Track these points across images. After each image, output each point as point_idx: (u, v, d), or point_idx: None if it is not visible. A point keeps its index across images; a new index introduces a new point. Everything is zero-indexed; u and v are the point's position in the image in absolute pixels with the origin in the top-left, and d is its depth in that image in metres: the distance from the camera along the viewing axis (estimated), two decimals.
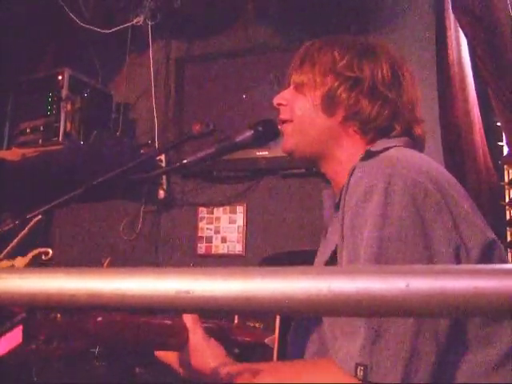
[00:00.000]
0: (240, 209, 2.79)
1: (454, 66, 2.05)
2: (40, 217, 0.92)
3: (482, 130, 2.06)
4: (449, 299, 0.38)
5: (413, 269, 0.41)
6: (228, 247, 2.80)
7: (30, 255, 0.89)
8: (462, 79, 2.03)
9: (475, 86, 2.06)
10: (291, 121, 1.18)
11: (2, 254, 0.88)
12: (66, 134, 2.63)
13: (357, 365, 0.86)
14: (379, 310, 0.42)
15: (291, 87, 1.20)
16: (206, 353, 1.05)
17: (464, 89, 2.03)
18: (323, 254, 1.09)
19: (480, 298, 0.39)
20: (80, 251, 2.98)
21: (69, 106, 2.66)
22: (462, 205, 0.96)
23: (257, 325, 1.25)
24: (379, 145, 1.07)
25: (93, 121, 2.74)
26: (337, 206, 1.06)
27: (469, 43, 1.96)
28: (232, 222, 2.80)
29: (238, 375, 0.98)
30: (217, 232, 2.82)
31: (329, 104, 1.13)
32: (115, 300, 0.45)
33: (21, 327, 0.81)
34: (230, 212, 2.81)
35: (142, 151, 2.90)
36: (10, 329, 0.80)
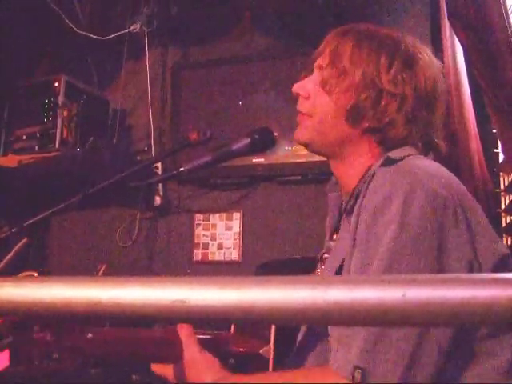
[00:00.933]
0: (236, 215, 2.79)
1: (449, 74, 2.05)
2: (25, 240, 0.92)
3: (478, 137, 2.07)
4: (446, 308, 0.38)
5: (409, 278, 0.41)
6: (224, 254, 2.79)
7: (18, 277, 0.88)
8: (458, 87, 2.04)
9: (471, 94, 2.07)
10: (310, 116, 1.10)
11: None
12: (62, 140, 2.63)
13: (354, 368, 0.86)
14: (375, 320, 0.42)
15: (316, 78, 1.11)
16: (201, 366, 1.04)
17: (460, 96, 2.03)
18: (335, 258, 1.07)
19: (477, 308, 0.39)
20: (76, 258, 2.97)
21: (65, 113, 2.66)
22: (479, 216, 0.96)
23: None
24: (398, 152, 1.03)
25: (89, 127, 2.74)
26: (349, 211, 1.03)
27: (465, 52, 1.96)
28: (228, 228, 2.80)
29: None
30: (213, 239, 2.82)
31: (357, 115, 1.05)
32: (111, 309, 0.44)
33: (7, 351, 0.80)
34: (227, 219, 2.81)
35: (138, 158, 2.89)
36: None
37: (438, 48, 2.18)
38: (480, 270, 0.91)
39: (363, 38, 1.08)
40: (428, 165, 1.00)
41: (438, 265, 0.88)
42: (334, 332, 0.98)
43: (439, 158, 1.13)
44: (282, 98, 2.51)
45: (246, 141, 1.17)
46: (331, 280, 0.42)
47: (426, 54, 1.09)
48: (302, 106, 1.12)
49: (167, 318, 0.45)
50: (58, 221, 3.01)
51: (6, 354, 0.79)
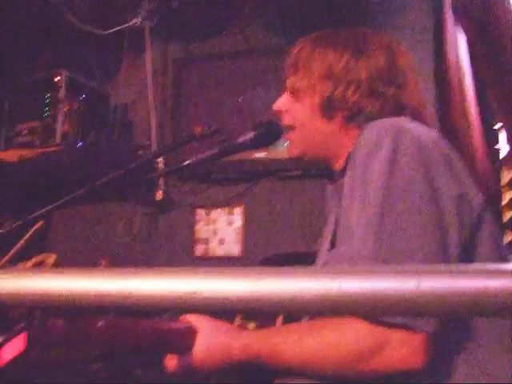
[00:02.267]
0: (238, 210, 2.78)
1: (452, 69, 2.05)
2: (42, 222, 0.92)
3: (481, 133, 2.06)
4: (460, 299, 0.38)
5: (423, 268, 0.41)
6: (226, 249, 2.79)
7: (33, 260, 0.88)
8: (461, 81, 2.03)
9: (474, 89, 2.06)
10: (294, 127, 1.18)
11: (5, 260, 0.87)
12: (63, 135, 2.62)
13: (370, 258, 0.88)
14: (389, 310, 0.41)
15: (287, 93, 1.20)
16: (220, 333, 1.00)
17: (462, 91, 2.03)
18: (329, 227, 1.12)
19: (491, 298, 0.39)
20: (77, 253, 2.97)
21: (66, 108, 2.66)
22: (459, 159, 1.01)
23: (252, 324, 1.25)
24: None
25: (90, 122, 2.73)
26: (339, 174, 1.11)
27: (468, 45, 1.96)
28: (230, 223, 2.80)
29: (262, 340, 0.96)
30: (214, 234, 2.81)
31: (328, 108, 1.13)
32: (122, 300, 0.44)
33: (22, 335, 0.81)
34: (228, 214, 2.80)
35: (139, 152, 2.89)
36: (12, 337, 0.80)
37: (440, 43, 2.18)
38: (470, 208, 0.96)
39: (317, 42, 1.17)
40: (410, 122, 1.06)
41: (433, 202, 0.92)
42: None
43: None
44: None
45: (252, 134, 1.17)
46: (345, 270, 0.42)
47: (378, 38, 1.17)
48: (284, 120, 1.20)
49: (179, 310, 0.45)
50: (58, 216, 3.01)
51: (20, 339, 0.79)
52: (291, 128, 1.18)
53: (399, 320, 0.82)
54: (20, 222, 1.06)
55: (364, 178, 0.96)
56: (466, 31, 1.80)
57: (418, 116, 1.12)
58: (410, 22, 2.49)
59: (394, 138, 0.96)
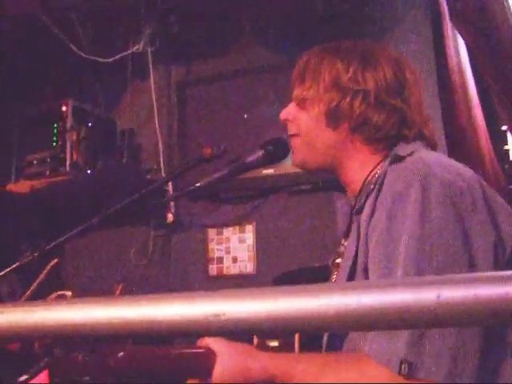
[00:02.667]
0: (249, 228, 2.79)
1: (454, 73, 2.06)
2: (56, 260, 0.93)
3: (488, 135, 2.06)
4: (482, 308, 0.38)
5: (443, 279, 0.41)
6: (239, 267, 2.79)
7: (51, 297, 0.89)
8: (464, 85, 2.04)
9: (477, 92, 2.07)
10: (298, 135, 1.18)
11: (23, 298, 0.88)
12: (72, 163, 2.65)
13: (402, 361, 0.86)
14: (411, 323, 0.42)
15: (294, 102, 1.20)
16: (238, 355, 1.00)
17: (466, 94, 2.04)
18: (347, 259, 1.09)
19: None
20: (92, 279, 2.98)
21: (74, 136, 2.69)
22: (497, 200, 1.00)
23: (276, 343, 1.25)
24: (402, 148, 1.07)
25: (98, 149, 2.76)
26: (358, 210, 1.07)
27: (468, 50, 1.97)
28: (242, 241, 2.80)
29: (281, 366, 0.97)
30: (227, 252, 2.82)
31: (334, 118, 1.12)
32: (146, 327, 0.45)
33: (46, 371, 0.81)
34: (240, 231, 2.81)
35: (148, 176, 2.91)
36: (37, 373, 0.80)
37: (440, 49, 2.19)
38: (504, 251, 0.93)
39: (324, 52, 1.17)
40: (437, 156, 1.05)
41: (466, 251, 0.90)
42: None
43: (451, 156, 1.16)
44: None
45: (260, 152, 1.18)
46: (363, 284, 0.43)
47: (386, 51, 1.17)
48: (290, 129, 1.20)
49: (202, 333, 0.45)
50: (71, 243, 3.02)
51: (44, 375, 0.80)
52: (296, 135, 1.18)
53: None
54: (37, 253, 1.07)
55: (390, 232, 0.94)
56: (465, 36, 1.81)
57: (419, 135, 1.12)
58: (408, 30, 2.51)
59: (423, 186, 0.93)
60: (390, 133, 1.11)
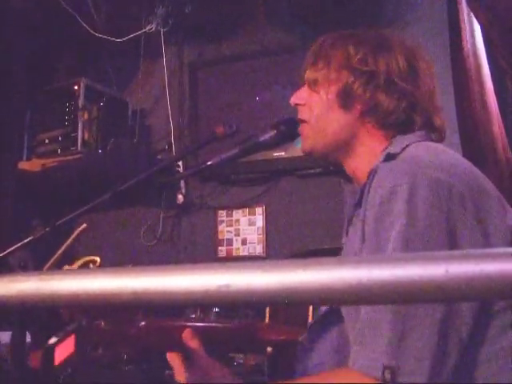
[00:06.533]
0: (259, 210, 2.80)
1: (468, 58, 2.04)
2: (85, 225, 0.94)
3: (501, 121, 2.05)
4: (489, 282, 0.39)
5: (451, 254, 0.41)
6: (249, 249, 2.80)
7: (78, 263, 0.91)
8: (478, 71, 2.02)
9: (492, 78, 2.05)
10: (308, 122, 1.17)
11: (50, 263, 0.90)
12: (83, 142, 2.66)
13: (384, 367, 0.86)
14: (420, 297, 0.42)
15: (306, 85, 1.20)
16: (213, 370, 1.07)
17: (480, 80, 2.02)
18: (347, 248, 1.10)
19: None
20: (101, 258, 3.00)
21: (86, 116, 2.69)
22: (487, 196, 0.97)
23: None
24: (397, 144, 1.06)
25: (110, 129, 2.77)
26: (358, 204, 1.06)
27: (484, 33, 1.95)
28: (252, 223, 2.81)
29: None
30: (237, 234, 2.83)
31: (345, 99, 1.12)
32: (159, 297, 0.46)
33: (73, 336, 0.83)
34: (249, 214, 2.82)
35: (159, 157, 2.92)
36: (64, 338, 0.82)
37: (455, 33, 2.16)
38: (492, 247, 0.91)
39: (338, 37, 1.18)
40: (429, 152, 1.02)
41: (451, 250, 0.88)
42: (351, 332, 0.99)
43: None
44: None
45: (273, 132, 1.18)
46: (374, 259, 0.43)
47: (401, 40, 1.17)
48: (301, 113, 1.19)
49: (212, 304, 0.46)
50: (81, 222, 3.05)
51: (71, 340, 0.83)
52: (306, 122, 1.18)
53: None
54: (48, 228, 1.08)
55: (377, 233, 0.94)
56: (480, 20, 1.79)
57: (428, 123, 1.11)
58: (424, 14, 2.48)
59: (410, 186, 0.92)
60: (400, 118, 1.10)
